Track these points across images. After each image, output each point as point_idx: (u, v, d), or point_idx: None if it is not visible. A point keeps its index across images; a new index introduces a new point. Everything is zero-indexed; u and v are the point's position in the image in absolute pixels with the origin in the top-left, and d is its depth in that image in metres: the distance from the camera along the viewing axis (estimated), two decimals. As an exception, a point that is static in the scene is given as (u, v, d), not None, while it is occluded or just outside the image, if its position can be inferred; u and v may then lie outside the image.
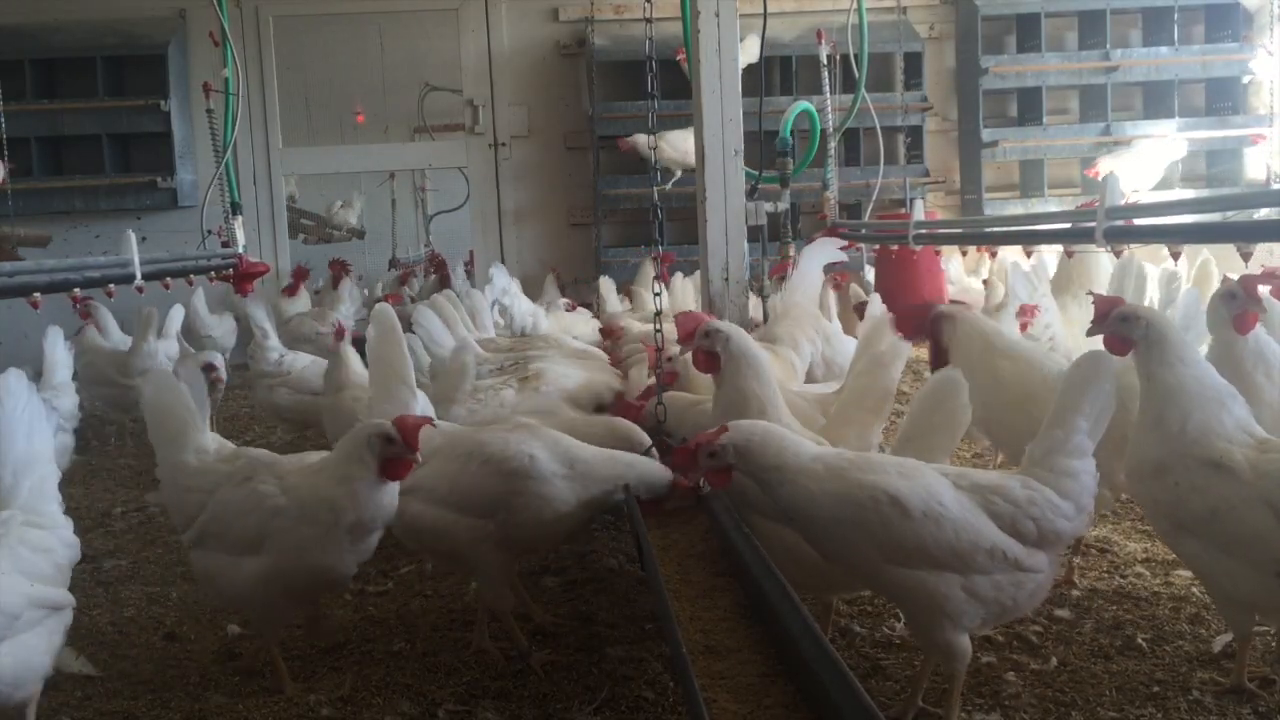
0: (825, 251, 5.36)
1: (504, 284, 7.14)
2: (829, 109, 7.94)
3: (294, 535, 2.91)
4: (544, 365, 4.56)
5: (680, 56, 8.44)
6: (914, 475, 2.58)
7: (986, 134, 10.56)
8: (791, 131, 6.99)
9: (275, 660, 3.13)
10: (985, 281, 7.77)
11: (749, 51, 7.30)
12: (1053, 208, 10.14)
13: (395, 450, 2.92)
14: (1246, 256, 3.75)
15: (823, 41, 8.09)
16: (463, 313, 6.27)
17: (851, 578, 2.81)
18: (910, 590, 2.54)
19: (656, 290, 4.28)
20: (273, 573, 2.95)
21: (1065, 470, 2.62)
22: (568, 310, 7.89)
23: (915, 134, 10.67)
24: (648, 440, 3.74)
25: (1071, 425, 2.63)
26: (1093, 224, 4.11)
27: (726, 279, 5.67)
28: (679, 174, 9.60)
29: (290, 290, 9.02)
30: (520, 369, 4.69)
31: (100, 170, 10.13)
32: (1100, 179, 9.88)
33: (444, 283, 9.39)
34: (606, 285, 8.38)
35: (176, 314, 7.34)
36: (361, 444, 2.93)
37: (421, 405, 3.69)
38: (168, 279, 5.72)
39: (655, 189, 4.39)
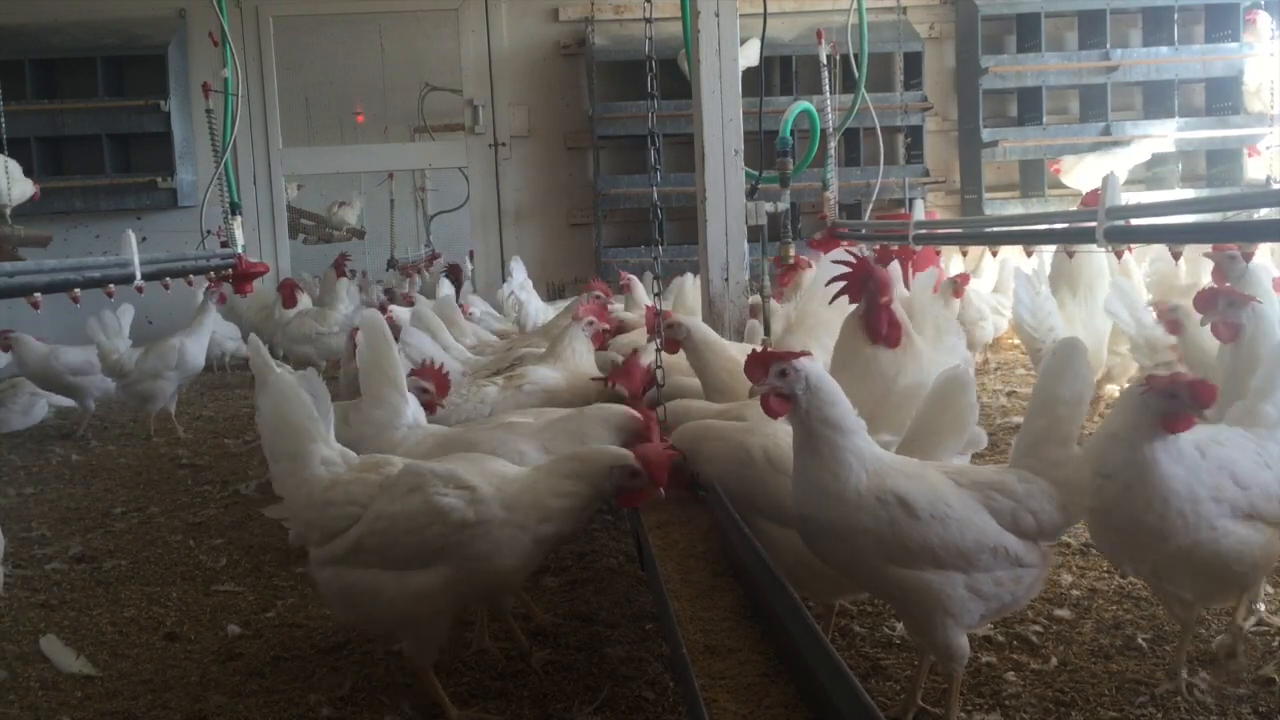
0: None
1: (521, 279, 7.25)
2: (829, 109, 7.95)
3: (488, 541, 2.68)
4: (528, 366, 4.53)
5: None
6: (919, 475, 2.58)
7: (986, 134, 10.57)
8: (791, 131, 6.99)
9: (434, 686, 2.87)
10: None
11: (749, 56, 7.31)
12: (1053, 208, 10.16)
13: (637, 483, 2.76)
14: (1249, 256, 3.77)
15: (823, 41, 8.09)
16: (459, 316, 6.30)
17: (851, 579, 2.80)
18: (913, 591, 2.53)
19: (656, 290, 4.28)
20: (451, 581, 2.71)
21: (1055, 460, 2.63)
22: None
23: (915, 134, 10.69)
24: (636, 417, 3.72)
25: (1055, 415, 2.64)
26: (1093, 224, 4.12)
27: (726, 279, 5.67)
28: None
29: (288, 303, 8.95)
30: (508, 368, 4.68)
31: (100, 170, 10.15)
32: (1059, 174, 9.98)
33: (458, 282, 9.41)
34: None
35: (126, 314, 7.22)
36: (600, 472, 2.74)
37: (412, 410, 3.68)
38: (167, 279, 5.75)
39: (655, 189, 4.38)
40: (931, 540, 2.48)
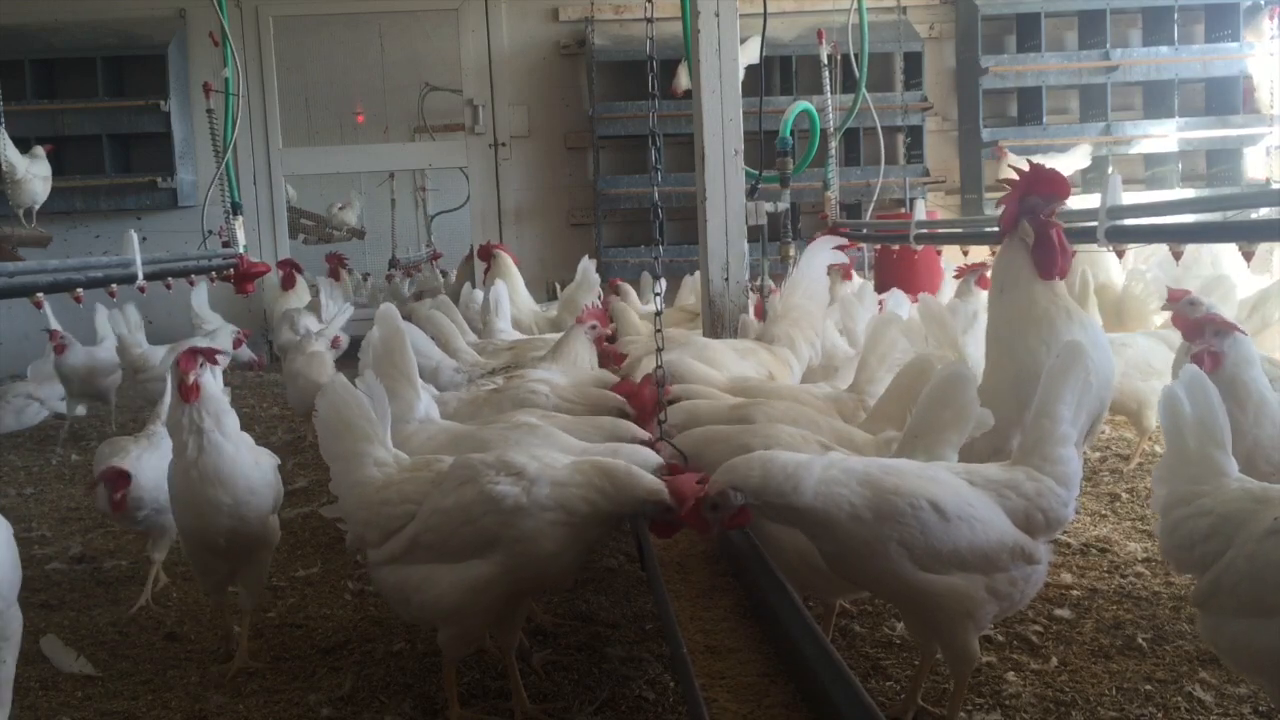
0: (827, 250, 5.28)
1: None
2: (830, 109, 7.95)
3: (535, 522, 2.66)
4: (529, 369, 4.53)
5: (679, 95, 9.28)
6: (940, 478, 2.57)
7: (986, 134, 10.58)
8: (791, 131, 6.99)
9: (451, 681, 2.88)
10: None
11: (749, 53, 7.30)
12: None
13: (669, 518, 2.73)
14: (1248, 256, 3.76)
15: (823, 41, 8.09)
16: (458, 318, 6.29)
17: (874, 589, 2.77)
18: (936, 595, 2.50)
19: (657, 290, 4.27)
20: (504, 569, 2.70)
21: (1058, 458, 2.64)
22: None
23: (915, 134, 10.69)
24: (645, 437, 3.71)
25: (1057, 415, 2.66)
26: (1094, 224, 4.12)
27: (726, 279, 5.67)
28: None
29: (287, 284, 8.96)
30: (510, 370, 4.68)
31: (100, 170, 10.15)
32: (1009, 164, 9.99)
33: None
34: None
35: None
36: (635, 501, 2.71)
37: (425, 405, 3.68)
38: (169, 279, 5.75)
39: (655, 189, 4.37)
40: (960, 543, 2.47)
